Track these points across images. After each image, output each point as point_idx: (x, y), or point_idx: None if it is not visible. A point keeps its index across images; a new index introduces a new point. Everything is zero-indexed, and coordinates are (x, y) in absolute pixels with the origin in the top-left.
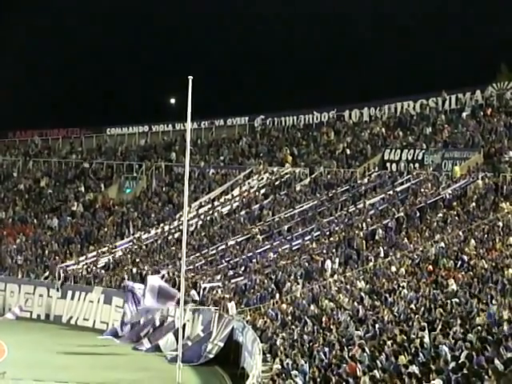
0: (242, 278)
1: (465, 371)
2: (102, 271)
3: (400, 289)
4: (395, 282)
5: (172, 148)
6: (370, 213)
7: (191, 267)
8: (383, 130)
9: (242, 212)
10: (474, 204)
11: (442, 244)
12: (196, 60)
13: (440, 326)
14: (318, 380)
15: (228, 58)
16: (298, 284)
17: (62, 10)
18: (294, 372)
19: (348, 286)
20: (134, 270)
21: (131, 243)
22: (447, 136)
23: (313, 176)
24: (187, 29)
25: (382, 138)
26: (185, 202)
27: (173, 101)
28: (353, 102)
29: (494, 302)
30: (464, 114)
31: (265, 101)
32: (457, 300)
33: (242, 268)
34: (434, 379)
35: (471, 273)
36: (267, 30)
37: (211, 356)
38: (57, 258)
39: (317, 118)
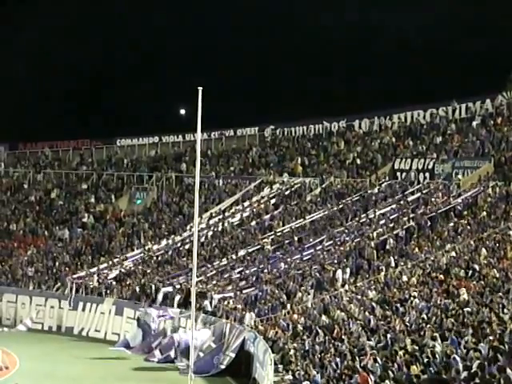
0: (253, 288)
1: (477, 381)
2: (113, 282)
3: (411, 298)
4: (406, 291)
5: (182, 159)
6: (380, 222)
7: (202, 278)
8: (393, 139)
9: (253, 222)
10: (484, 213)
11: (453, 253)
12: (206, 71)
13: (452, 336)
14: None
15: (238, 68)
16: (309, 294)
17: (74, 20)
18: (306, 382)
19: (359, 296)
20: (145, 282)
21: (142, 254)
22: (457, 145)
23: (323, 186)
24: (197, 40)
25: (392, 148)
26: (195, 213)
27: (183, 112)
28: (363, 112)
29: (505, 311)
30: (474, 123)
31: (275, 111)
32: (468, 309)
33: (253, 278)
34: None
35: (482, 282)
36: (277, 40)
37: (223, 367)
38: (67, 269)
39: (327, 128)
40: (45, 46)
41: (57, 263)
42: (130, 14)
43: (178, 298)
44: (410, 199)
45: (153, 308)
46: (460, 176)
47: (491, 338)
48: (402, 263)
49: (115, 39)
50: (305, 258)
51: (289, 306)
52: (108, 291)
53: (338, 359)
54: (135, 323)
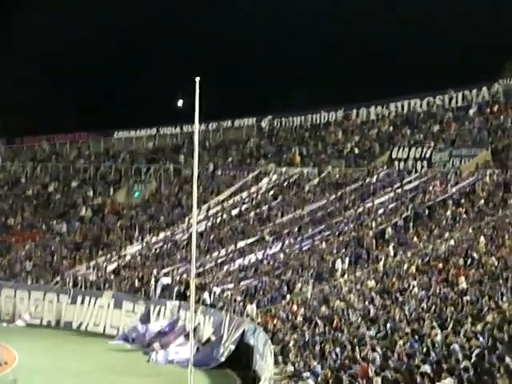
0: (252, 279)
1: (477, 369)
2: (112, 276)
3: (411, 288)
4: (406, 280)
5: (180, 150)
6: (379, 212)
7: (201, 270)
8: (391, 128)
9: (252, 213)
10: (482, 201)
11: (452, 242)
12: (203, 61)
13: (451, 325)
14: (331, 381)
15: (235, 58)
16: (309, 285)
17: (71, 12)
18: (306, 373)
19: (358, 286)
20: (144, 274)
21: (140, 247)
22: (455, 133)
23: (322, 176)
24: (194, 30)
25: (389, 137)
26: (194, 205)
27: (180, 103)
28: (360, 101)
29: (504, 299)
30: (471, 112)
31: (272, 101)
32: (468, 298)
33: (252, 270)
34: (445, 378)
35: (481, 270)
36: (274, 30)
37: (223, 359)
38: (66, 263)
39: (324, 118)
40: (41, 40)
41: (55, 257)
42: (130, 4)
43: (176, 289)
44: (407, 188)
45: (140, 324)
46: (458, 163)
47: (490, 326)
48: (401, 252)
49: (113, 31)
50: (304, 249)
51: (288, 296)
52: (107, 284)
53: (337, 350)
54: (135, 316)
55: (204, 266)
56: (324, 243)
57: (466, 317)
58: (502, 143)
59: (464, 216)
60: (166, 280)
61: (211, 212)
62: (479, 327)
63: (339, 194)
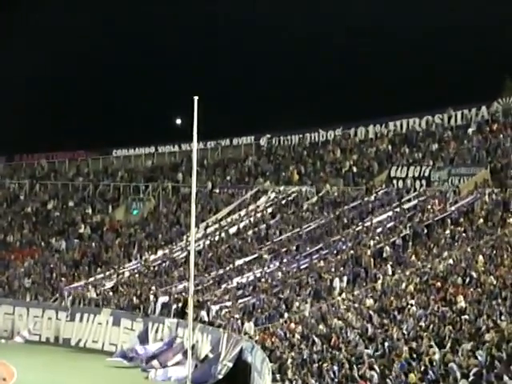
0: (250, 297)
1: None
2: (110, 293)
3: (409, 306)
4: (404, 299)
5: (178, 169)
6: (377, 230)
7: (199, 287)
8: (389, 147)
9: (250, 232)
10: (481, 220)
11: (451, 261)
12: (201, 80)
13: (449, 344)
14: None
15: (233, 78)
16: (307, 303)
17: (67, 32)
18: None
19: (356, 305)
20: (142, 292)
21: (139, 264)
22: (453, 152)
23: (320, 194)
24: (192, 50)
25: (388, 155)
26: (192, 223)
27: (179, 121)
28: (358, 120)
29: (503, 318)
30: (470, 130)
31: (270, 120)
32: (466, 317)
33: (251, 288)
34: None
35: (480, 289)
36: (272, 49)
37: (220, 376)
38: (64, 280)
39: (322, 136)
40: (42, 58)
41: (54, 274)
42: (130, 24)
43: (174, 307)
44: (406, 207)
45: (138, 344)
46: (457, 182)
47: (489, 345)
48: (399, 271)
49: (113, 50)
50: (302, 267)
51: (286, 314)
52: (105, 302)
53: (335, 368)
54: (133, 333)
55: (202, 283)
56: (322, 262)
57: (465, 336)
58: (500, 162)
59: (463, 235)
60: (164, 298)
61: (209, 230)
62: (477, 346)
63: (337, 212)
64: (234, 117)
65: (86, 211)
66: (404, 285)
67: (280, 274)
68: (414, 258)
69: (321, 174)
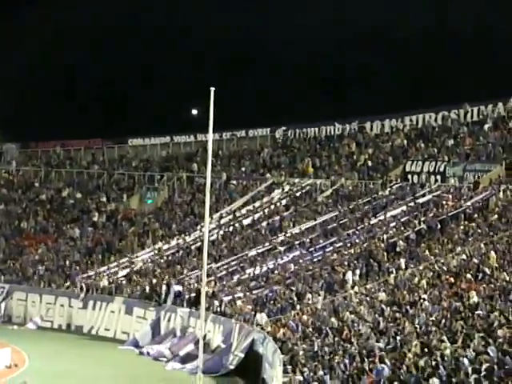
0: (262, 289)
1: None
2: (123, 281)
3: (421, 301)
4: (416, 293)
5: (194, 159)
6: (391, 224)
7: (212, 278)
8: (405, 141)
9: (264, 223)
10: (495, 216)
11: (464, 256)
12: (218, 71)
13: (461, 339)
14: None
15: (250, 69)
16: (319, 295)
17: (88, 21)
18: (315, 383)
19: (369, 298)
20: (155, 281)
21: (152, 254)
22: (469, 148)
23: (334, 187)
24: (210, 40)
25: (403, 150)
26: (206, 213)
27: (195, 112)
28: (374, 114)
29: None
30: (486, 126)
31: (286, 112)
32: (478, 312)
33: (263, 279)
34: None
35: (492, 285)
36: (289, 41)
37: (232, 367)
38: (78, 268)
39: (338, 130)
40: (57, 46)
41: (67, 262)
42: (144, 16)
43: (187, 297)
44: (420, 201)
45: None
46: (472, 178)
47: (501, 341)
48: (412, 265)
49: (128, 40)
50: (315, 260)
51: (298, 306)
52: (118, 290)
53: (346, 361)
54: (145, 322)
55: (215, 274)
56: (335, 255)
57: (477, 331)
58: None
59: (476, 231)
60: (178, 287)
61: (223, 221)
62: (489, 342)
63: (351, 206)
64: (250, 108)
65: (100, 199)
66: (417, 279)
67: (293, 266)
68: (427, 252)
69: (336, 168)
